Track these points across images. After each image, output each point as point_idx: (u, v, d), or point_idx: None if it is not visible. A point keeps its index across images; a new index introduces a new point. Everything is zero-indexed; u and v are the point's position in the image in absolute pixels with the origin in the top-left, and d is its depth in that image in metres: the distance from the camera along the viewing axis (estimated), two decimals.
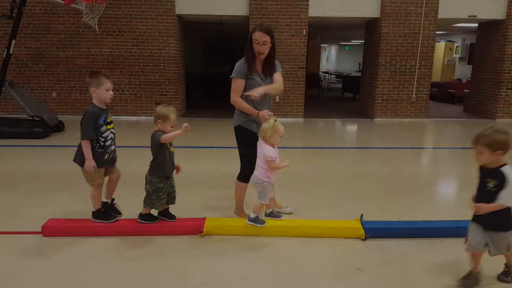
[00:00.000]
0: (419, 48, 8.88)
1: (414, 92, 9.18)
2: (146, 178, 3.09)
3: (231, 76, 3.24)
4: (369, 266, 2.79)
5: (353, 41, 21.03)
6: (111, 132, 3.05)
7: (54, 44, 8.60)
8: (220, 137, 7.19)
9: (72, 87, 8.83)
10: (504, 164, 2.33)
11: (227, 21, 10.42)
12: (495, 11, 8.99)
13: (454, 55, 15.09)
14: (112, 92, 2.99)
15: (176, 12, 8.58)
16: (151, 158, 3.05)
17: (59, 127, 7.28)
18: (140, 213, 3.19)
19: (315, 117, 9.51)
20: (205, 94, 13.44)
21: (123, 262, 2.80)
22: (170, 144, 3.09)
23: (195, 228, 3.18)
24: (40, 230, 3.13)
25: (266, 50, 3.18)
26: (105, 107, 3.03)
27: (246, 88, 3.21)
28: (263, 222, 3.23)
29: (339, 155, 6.27)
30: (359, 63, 17.08)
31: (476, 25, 10.19)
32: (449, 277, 2.67)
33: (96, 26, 8.31)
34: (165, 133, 2.97)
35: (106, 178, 3.17)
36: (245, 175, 3.34)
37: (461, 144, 7.37)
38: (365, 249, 3.05)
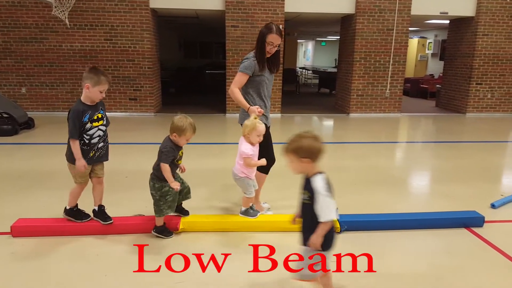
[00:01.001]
0: (393, 44, 9.04)
1: (388, 88, 9.34)
2: (149, 184, 2.96)
3: (241, 71, 3.25)
4: (344, 259, 2.82)
5: (329, 37, 21.23)
6: (99, 129, 2.93)
7: (22, 38, 8.31)
8: (197, 133, 7.13)
9: (43, 83, 8.56)
10: (317, 173, 2.05)
11: (203, 16, 10.32)
12: (465, 8, 9.23)
13: (427, 51, 15.43)
14: (104, 95, 2.89)
15: (151, 6, 8.42)
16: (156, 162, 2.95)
17: (29, 124, 7.06)
18: (155, 225, 3.05)
19: (292, 113, 9.55)
20: (181, 89, 13.30)
21: (96, 261, 2.74)
22: (179, 159, 2.99)
23: (170, 225, 3.14)
24: (9, 231, 3.04)
25: (275, 50, 3.29)
26: (93, 104, 2.89)
27: (256, 84, 3.31)
28: (255, 214, 3.26)
29: None
30: (335, 59, 17.26)
31: (448, 21, 10.45)
32: (424, 266, 2.74)
33: (67, 20, 8.07)
34: (179, 145, 2.92)
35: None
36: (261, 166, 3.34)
37: (433, 138, 7.56)
38: (341, 242, 3.08)
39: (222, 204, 3.78)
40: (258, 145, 3.15)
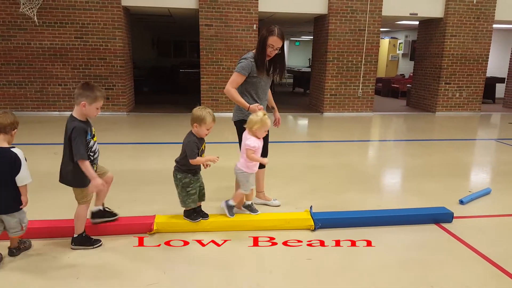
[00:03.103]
0: (365, 44, 9.20)
1: (360, 87, 9.50)
2: (173, 175, 3.06)
3: (237, 71, 3.26)
4: (319, 256, 2.86)
5: (303, 37, 21.40)
6: (96, 143, 2.84)
7: None
8: (171, 132, 7.06)
9: (10, 82, 8.27)
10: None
11: (177, 14, 10.21)
12: (434, 10, 9.50)
13: (398, 52, 15.78)
14: (100, 111, 2.77)
15: (123, 4, 8.28)
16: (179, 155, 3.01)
17: None
18: (184, 210, 3.16)
19: (267, 112, 9.55)
20: (155, 88, 13.12)
21: (68, 262, 2.68)
22: (202, 151, 3.03)
23: (144, 226, 3.10)
24: None
25: (275, 53, 3.28)
26: (86, 120, 2.76)
27: (251, 85, 3.36)
28: (232, 214, 3.28)
29: (291, 149, 6.36)
30: (309, 59, 17.41)
31: (417, 22, 10.72)
32: (396, 262, 2.80)
33: (35, 17, 7.86)
34: (200, 137, 2.95)
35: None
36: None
37: (404, 136, 7.74)
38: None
39: None
40: (262, 140, 3.23)
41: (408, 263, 2.82)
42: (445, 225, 3.42)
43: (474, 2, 9.35)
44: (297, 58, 24.61)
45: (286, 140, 6.98)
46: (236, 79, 3.29)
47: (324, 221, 3.27)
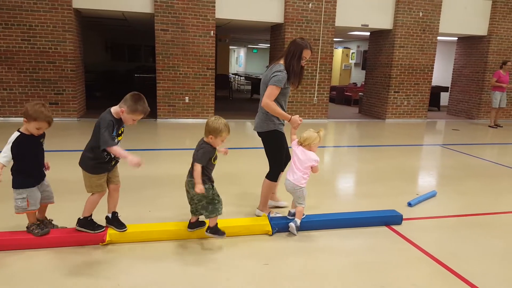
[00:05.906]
0: (319, 53, 9.45)
1: (315, 95, 9.74)
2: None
3: (275, 84, 3.32)
4: (276, 260, 2.89)
5: (260, 44, 21.63)
6: (119, 141, 2.95)
7: None
8: (124, 139, 6.87)
9: None
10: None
11: (131, 18, 10.01)
12: (384, 22, 9.94)
13: (350, 61, 16.34)
14: (136, 123, 2.86)
15: (73, 6, 8.00)
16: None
17: None
18: (209, 226, 3.01)
19: (225, 118, 9.50)
20: (108, 93, 12.72)
21: (15, 279, 2.53)
22: (215, 158, 2.98)
23: (96, 237, 2.99)
24: None
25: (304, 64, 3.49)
26: (119, 119, 2.84)
27: (282, 96, 3.45)
28: (299, 228, 3.32)
29: (249, 155, 6.40)
30: (267, 66, 17.67)
31: (369, 33, 11.17)
32: (349, 263, 2.88)
33: None
34: (214, 147, 2.93)
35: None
36: (276, 174, 3.59)
37: (357, 142, 8.01)
38: (273, 244, 3.15)
39: (152, 213, 3.68)
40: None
41: (360, 264, 2.91)
42: (395, 227, 3.57)
43: (420, 15, 9.89)
44: (254, 65, 24.83)
45: (244, 147, 7.02)
46: (274, 92, 3.37)
47: (281, 225, 3.31)
